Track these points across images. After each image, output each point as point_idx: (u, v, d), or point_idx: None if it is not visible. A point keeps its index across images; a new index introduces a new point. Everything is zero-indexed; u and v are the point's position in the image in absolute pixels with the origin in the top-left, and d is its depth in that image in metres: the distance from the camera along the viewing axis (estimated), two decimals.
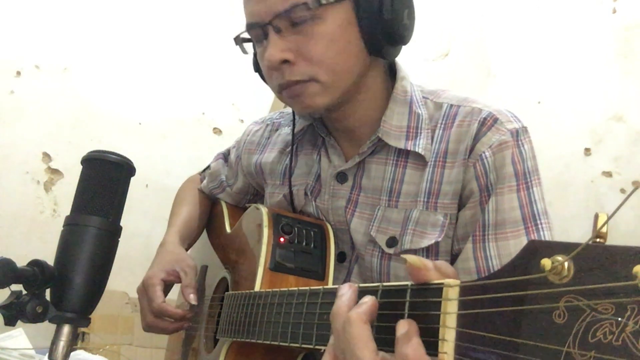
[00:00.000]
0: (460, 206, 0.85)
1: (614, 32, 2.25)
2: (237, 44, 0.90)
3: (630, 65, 2.21)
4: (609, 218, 0.35)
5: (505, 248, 0.79)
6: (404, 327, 0.46)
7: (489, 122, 0.83)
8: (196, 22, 2.40)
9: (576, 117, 2.28)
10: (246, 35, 0.89)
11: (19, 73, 2.17)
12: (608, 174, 2.21)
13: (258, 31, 0.84)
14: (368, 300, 0.50)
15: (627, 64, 2.22)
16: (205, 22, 2.39)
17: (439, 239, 0.84)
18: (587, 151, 2.26)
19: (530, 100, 2.35)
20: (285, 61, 0.81)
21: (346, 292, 0.52)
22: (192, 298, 0.99)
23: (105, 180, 0.69)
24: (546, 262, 0.36)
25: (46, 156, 2.20)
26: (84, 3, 2.26)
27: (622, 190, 2.18)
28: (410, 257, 0.47)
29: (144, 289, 1.02)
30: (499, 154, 0.81)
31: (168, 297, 1.06)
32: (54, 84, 2.21)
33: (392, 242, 0.87)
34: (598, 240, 0.35)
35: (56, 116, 2.20)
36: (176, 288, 1.08)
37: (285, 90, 0.84)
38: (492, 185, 0.81)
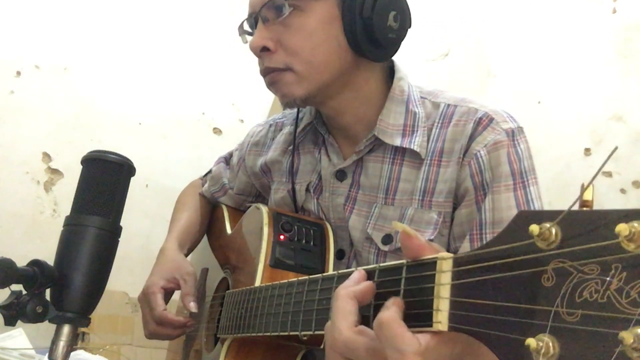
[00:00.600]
0: (455, 205, 0.85)
1: (614, 32, 2.25)
2: (240, 34, 0.94)
3: (630, 65, 2.21)
4: (589, 183, 0.37)
5: None
6: (389, 301, 0.47)
7: (484, 122, 0.84)
8: (196, 22, 2.40)
9: (576, 117, 2.27)
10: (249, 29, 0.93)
11: (19, 73, 2.17)
12: (608, 174, 2.21)
13: (252, 21, 0.89)
14: (364, 283, 0.52)
15: (627, 64, 2.22)
16: (205, 22, 2.39)
17: (432, 237, 0.85)
18: (587, 151, 2.26)
19: (530, 100, 2.34)
20: (266, 49, 0.85)
21: (354, 275, 0.54)
22: (193, 306, 1.00)
23: (105, 180, 0.69)
24: (534, 228, 0.37)
25: (46, 156, 2.20)
26: (84, 3, 2.26)
27: (622, 191, 2.18)
28: (403, 225, 0.49)
29: (145, 298, 1.03)
30: (494, 153, 0.82)
31: (170, 298, 1.07)
32: (54, 84, 2.21)
33: (387, 239, 0.88)
34: (585, 208, 0.36)
35: (56, 116, 2.20)
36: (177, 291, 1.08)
37: (265, 77, 0.89)
38: (488, 184, 0.82)
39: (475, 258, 0.42)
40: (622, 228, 0.32)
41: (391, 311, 0.46)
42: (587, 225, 0.35)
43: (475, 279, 0.41)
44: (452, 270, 0.44)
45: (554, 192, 2.17)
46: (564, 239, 0.36)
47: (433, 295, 0.45)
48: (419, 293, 0.47)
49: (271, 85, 0.89)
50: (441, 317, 0.44)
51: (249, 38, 0.91)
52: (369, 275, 0.53)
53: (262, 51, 0.86)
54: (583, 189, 0.36)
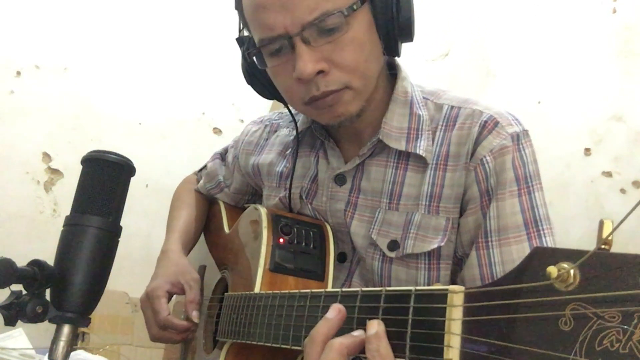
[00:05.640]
0: (462, 211, 0.84)
1: (614, 32, 2.25)
2: (250, 57, 0.86)
3: (630, 65, 2.21)
4: (615, 227, 0.35)
5: (508, 254, 0.78)
6: (374, 327, 0.49)
7: (489, 126, 0.82)
8: (196, 22, 2.40)
9: (576, 117, 2.27)
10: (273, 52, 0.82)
11: (19, 73, 2.17)
12: (608, 174, 2.21)
13: (278, 44, 0.78)
14: (357, 336, 0.52)
15: (627, 64, 2.22)
16: (205, 23, 2.39)
17: (442, 244, 0.83)
18: (587, 151, 2.26)
19: (530, 100, 2.34)
20: (320, 72, 0.77)
21: (334, 316, 0.54)
22: (195, 315, 0.98)
23: (105, 180, 0.69)
24: (552, 270, 0.35)
25: (46, 156, 2.20)
26: (84, 3, 2.26)
27: (622, 191, 2.18)
28: None
29: (149, 301, 1.01)
30: (500, 158, 0.81)
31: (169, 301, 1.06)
32: (54, 84, 2.21)
33: (393, 245, 0.86)
34: (603, 247, 0.35)
35: (56, 116, 2.20)
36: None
37: (316, 102, 0.80)
38: (493, 190, 0.80)
39: (488, 294, 0.41)
40: None
41: (385, 344, 0.48)
42: (608, 269, 0.34)
43: (489, 318, 0.40)
44: (464, 306, 0.43)
45: (554, 192, 2.17)
46: (583, 281, 0.35)
47: (444, 330, 0.44)
48: (429, 325, 0.46)
49: (324, 108, 0.81)
50: (452, 355, 0.43)
51: (271, 61, 0.82)
52: (374, 298, 0.52)
53: (317, 75, 0.77)
54: (602, 226, 0.35)
